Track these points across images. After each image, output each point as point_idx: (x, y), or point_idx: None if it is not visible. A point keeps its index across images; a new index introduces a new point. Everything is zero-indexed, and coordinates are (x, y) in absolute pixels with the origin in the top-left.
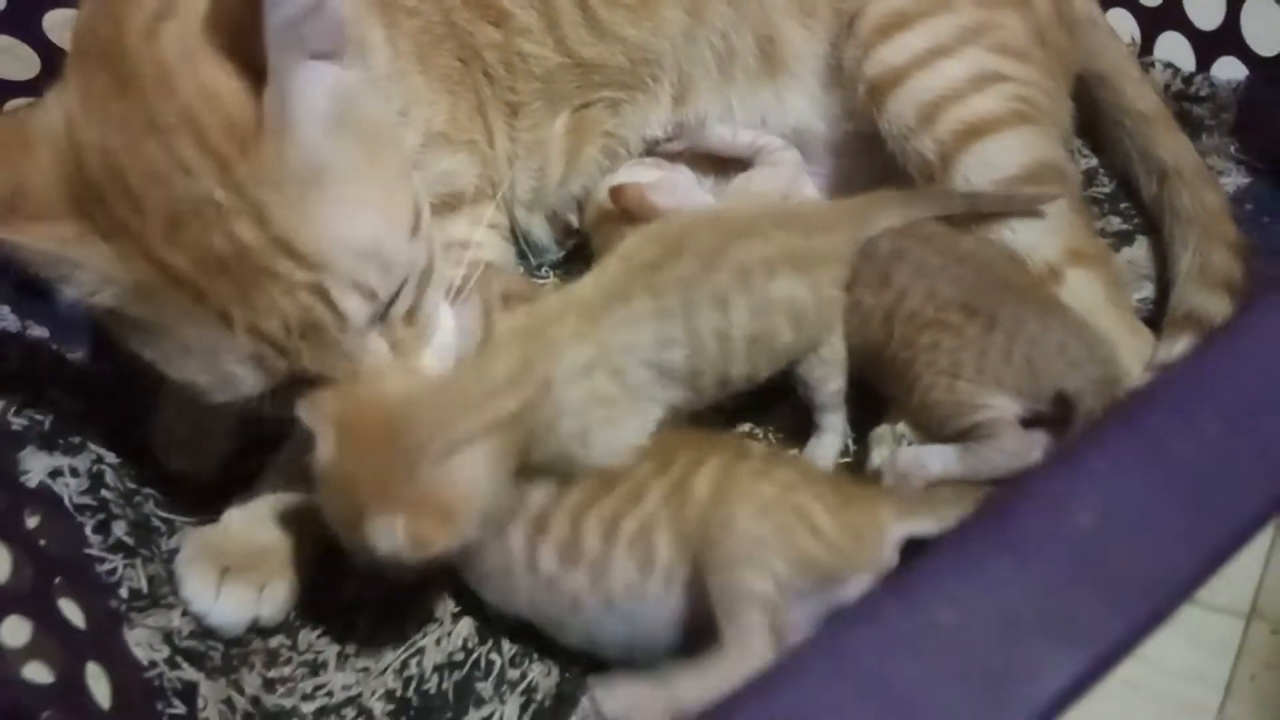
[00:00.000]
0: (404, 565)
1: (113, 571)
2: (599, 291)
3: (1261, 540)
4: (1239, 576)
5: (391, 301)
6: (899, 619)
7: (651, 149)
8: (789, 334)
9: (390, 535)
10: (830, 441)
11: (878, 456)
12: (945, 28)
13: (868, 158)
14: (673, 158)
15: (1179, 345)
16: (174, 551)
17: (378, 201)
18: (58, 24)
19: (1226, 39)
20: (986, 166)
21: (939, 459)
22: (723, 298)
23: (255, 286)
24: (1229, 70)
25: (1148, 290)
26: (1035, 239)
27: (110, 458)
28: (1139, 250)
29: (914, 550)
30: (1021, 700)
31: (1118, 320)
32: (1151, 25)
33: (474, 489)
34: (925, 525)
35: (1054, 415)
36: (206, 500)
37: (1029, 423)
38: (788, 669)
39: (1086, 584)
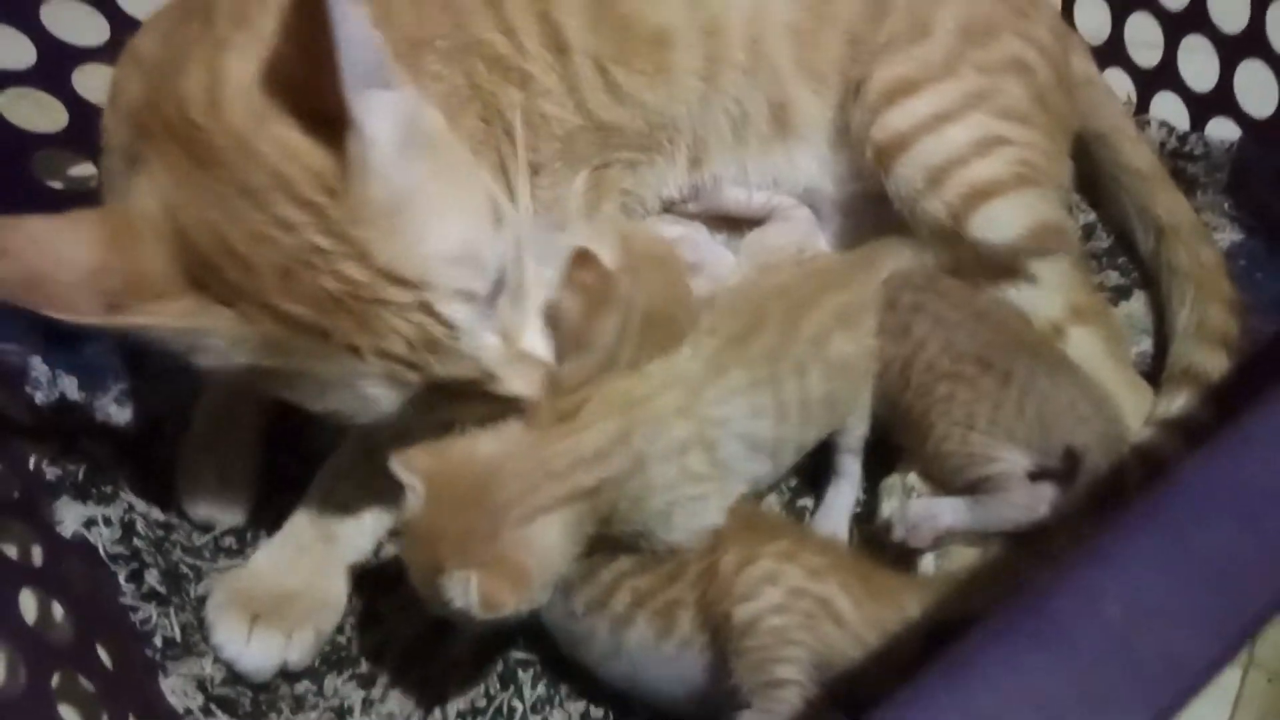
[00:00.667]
0: (474, 620)
1: (147, 620)
2: (698, 365)
3: None
4: None
5: (496, 293)
6: (945, 704)
7: (668, 208)
8: (848, 390)
9: (464, 591)
10: (848, 490)
11: (888, 507)
12: (950, 94)
13: (873, 216)
14: (689, 217)
15: (1178, 401)
16: (203, 598)
17: (456, 206)
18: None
19: (1220, 100)
20: (993, 227)
21: (950, 510)
22: (802, 366)
23: (372, 316)
24: (1223, 130)
25: (1146, 344)
26: (1039, 296)
27: (140, 506)
28: (1136, 305)
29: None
30: None
31: (1118, 375)
32: (1147, 85)
33: (548, 555)
34: (949, 615)
35: (1061, 470)
36: (231, 546)
37: (1036, 476)
38: None
39: (1116, 672)
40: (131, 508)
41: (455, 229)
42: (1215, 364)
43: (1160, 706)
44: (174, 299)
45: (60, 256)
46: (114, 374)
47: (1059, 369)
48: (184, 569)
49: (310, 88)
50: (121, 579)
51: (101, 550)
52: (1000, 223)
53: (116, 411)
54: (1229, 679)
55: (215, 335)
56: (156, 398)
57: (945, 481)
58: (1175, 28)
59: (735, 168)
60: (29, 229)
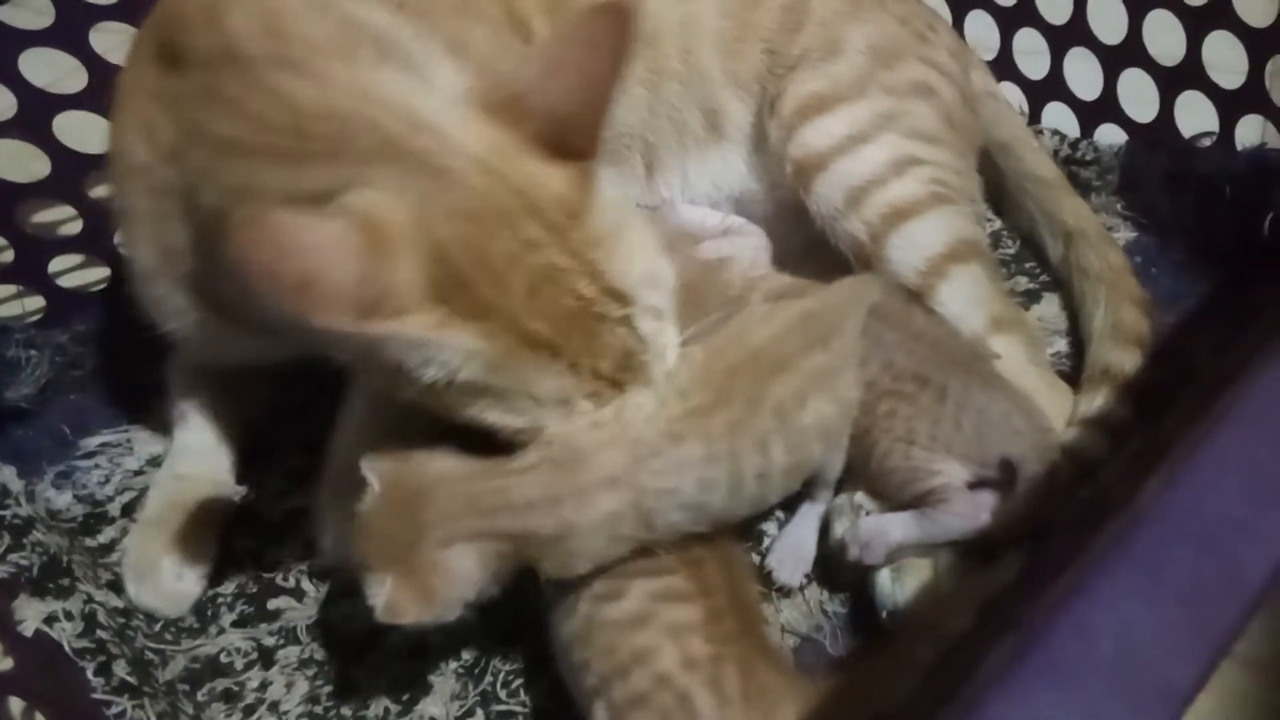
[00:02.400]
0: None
1: (121, 714)
2: (651, 429)
3: None
4: None
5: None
6: None
7: None
8: (819, 452)
9: (376, 592)
10: (818, 511)
11: (839, 528)
12: (863, 114)
13: (800, 225)
14: None
15: (1098, 400)
16: (172, 682)
17: (641, 233)
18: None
19: (1106, 107)
20: (912, 246)
21: (899, 526)
22: (763, 440)
23: (595, 333)
24: (1110, 135)
25: (1061, 345)
26: (961, 311)
27: (98, 595)
28: (1048, 307)
29: None
30: None
31: (1039, 379)
32: (1038, 96)
33: (459, 581)
34: None
35: (999, 479)
36: (193, 625)
37: (975, 486)
38: None
39: (1115, 702)
40: (90, 598)
41: (645, 254)
42: (1130, 362)
43: None
44: (423, 312)
45: (333, 261)
46: (46, 456)
47: (991, 383)
48: (149, 655)
49: (562, 123)
50: (90, 674)
51: (66, 647)
52: (921, 240)
53: (55, 495)
54: None
55: (449, 350)
56: (92, 476)
57: (891, 496)
58: (1060, 40)
59: (680, 174)
60: (307, 231)
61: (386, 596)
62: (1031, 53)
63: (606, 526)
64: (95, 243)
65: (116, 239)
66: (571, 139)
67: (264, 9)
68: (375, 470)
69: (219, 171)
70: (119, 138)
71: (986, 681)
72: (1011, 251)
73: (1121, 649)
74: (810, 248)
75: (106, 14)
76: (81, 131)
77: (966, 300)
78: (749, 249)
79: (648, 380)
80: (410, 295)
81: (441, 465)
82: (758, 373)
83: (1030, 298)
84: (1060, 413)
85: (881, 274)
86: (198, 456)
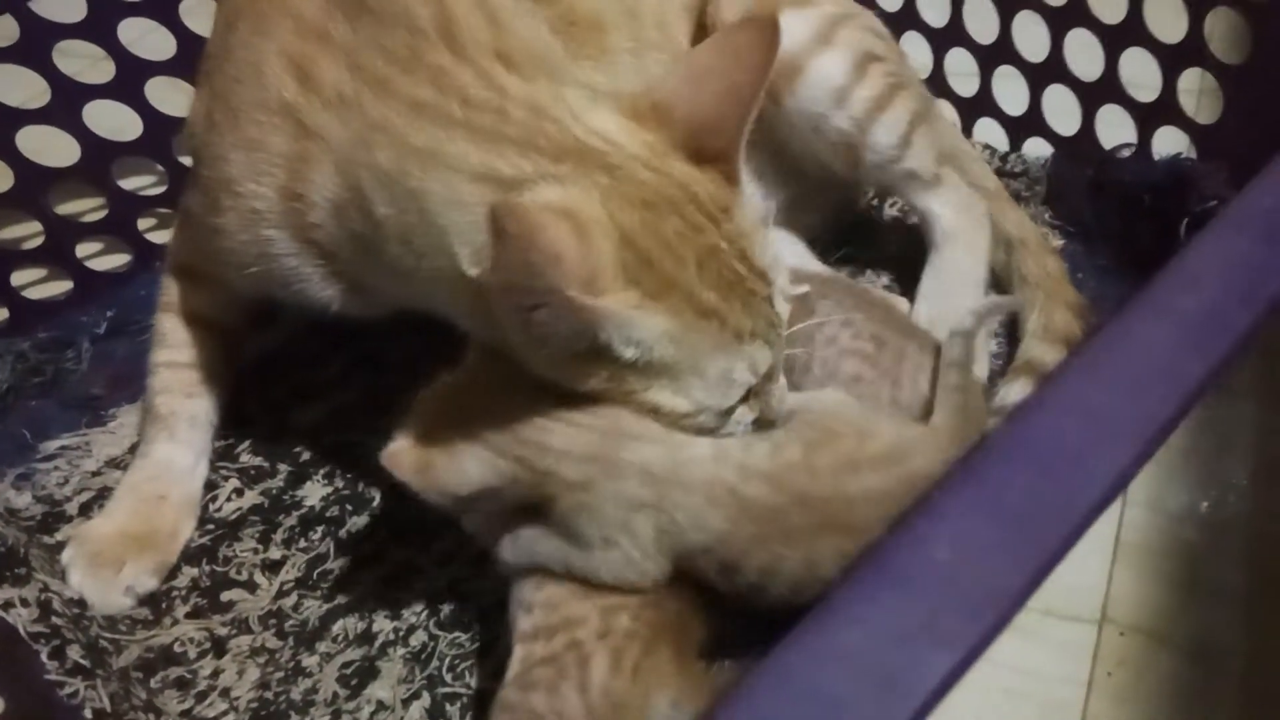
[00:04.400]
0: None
1: (74, 694)
2: (709, 468)
3: (1105, 557)
4: (1090, 589)
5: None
6: (819, 637)
7: None
8: None
9: (395, 445)
10: None
11: None
12: (822, 14)
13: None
14: None
15: (1015, 388)
16: (126, 669)
17: (768, 229)
18: None
19: (1032, 122)
20: (889, 131)
21: None
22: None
23: (750, 305)
24: (1037, 149)
25: (994, 346)
26: (923, 162)
27: (54, 585)
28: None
29: None
30: (911, 691)
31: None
32: (969, 113)
33: (460, 474)
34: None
35: None
36: (146, 617)
37: None
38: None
39: (949, 604)
40: (46, 586)
41: (772, 244)
42: (1054, 357)
43: (984, 630)
44: (623, 292)
45: (565, 243)
46: (6, 459)
47: (933, 347)
48: (104, 643)
49: (705, 128)
50: (44, 656)
51: (21, 629)
52: (894, 125)
53: (15, 496)
54: (1086, 635)
55: (649, 328)
56: (51, 477)
57: None
58: (988, 60)
59: None
60: (546, 217)
61: (395, 445)
62: (962, 73)
63: (625, 505)
64: (58, 255)
65: (80, 249)
66: (714, 142)
67: None
68: (468, 363)
69: (407, 131)
70: (258, 67)
71: (843, 589)
72: None
73: (957, 558)
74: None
75: (70, 32)
76: (43, 144)
77: (928, 154)
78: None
79: (778, 370)
80: (612, 277)
81: (523, 386)
82: (830, 523)
83: None
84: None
85: (860, 160)
86: (177, 476)
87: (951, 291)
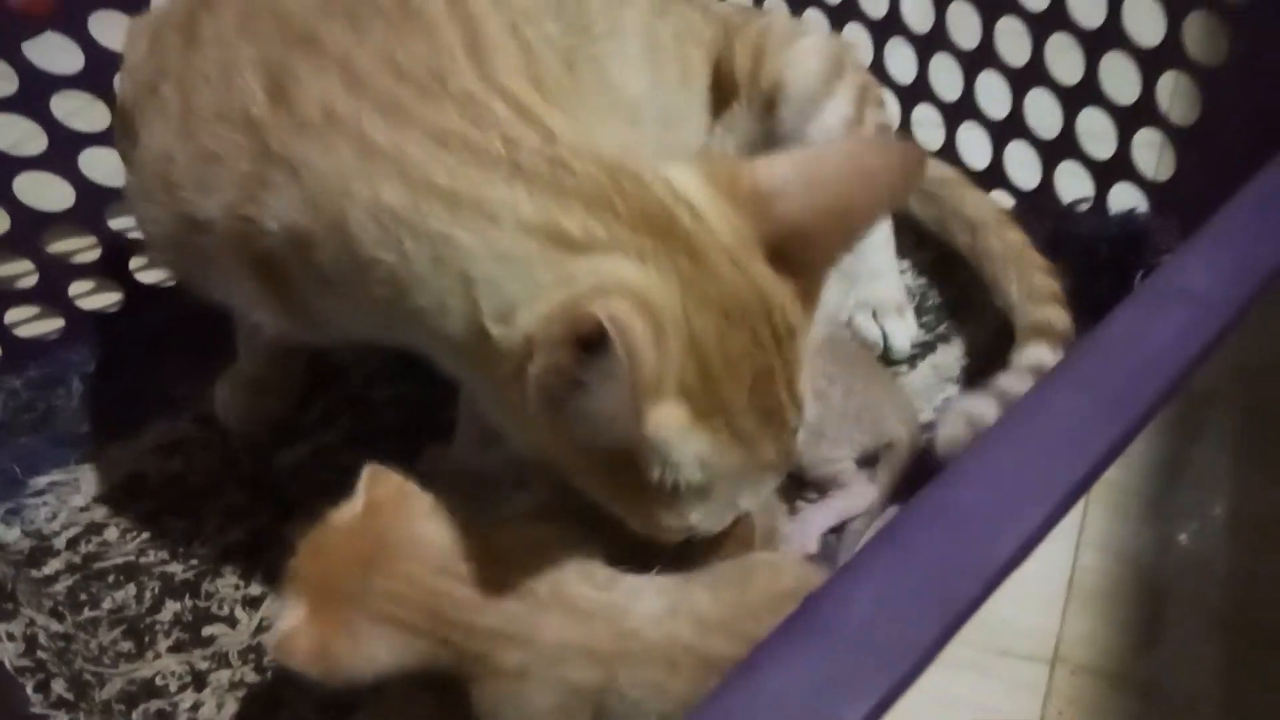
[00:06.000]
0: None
1: None
2: (655, 631)
3: (1059, 599)
4: (1045, 630)
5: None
6: (750, 681)
7: None
8: None
9: (281, 617)
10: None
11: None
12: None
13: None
14: None
15: (1030, 351)
16: (109, 701)
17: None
18: None
19: (995, 176)
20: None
21: (820, 517)
22: None
23: (779, 436)
24: (1000, 200)
25: (950, 390)
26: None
27: (40, 619)
28: (943, 356)
29: None
30: None
31: None
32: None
33: (363, 660)
34: None
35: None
36: (129, 650)
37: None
38: None
39: (866, 654)
40: (33, 621)
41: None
42: (1058, 317)
43: (898, 679)
44: (676, 408)
45: (649, 344)
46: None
47: (876, 375)
48: (88, 676)
49: (803, 238)
50: (29, 689)
51: (8, 664)
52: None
53: (4, 530)
54: (1038, 674)
55: (684, 451)
56: (40, 513)
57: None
58: (953, 115)
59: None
60: (631, 305)
61: (286, 630)
62: (929, 124)
63: (565, 693)
64: (50, 294)
65: (71, 289)
66: (806, 255)
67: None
68: (371, 484)
69: (427, 165)
70: (227, 71)
71: (771, 638)
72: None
73: (877, 613)
74: None
75: (70, 82)
76: (40, 189)
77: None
78: None
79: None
80: (670, 388)
81: (431, 528)
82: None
83: (927, 349)
84: None
85: None
86: None
87: (875, 272)
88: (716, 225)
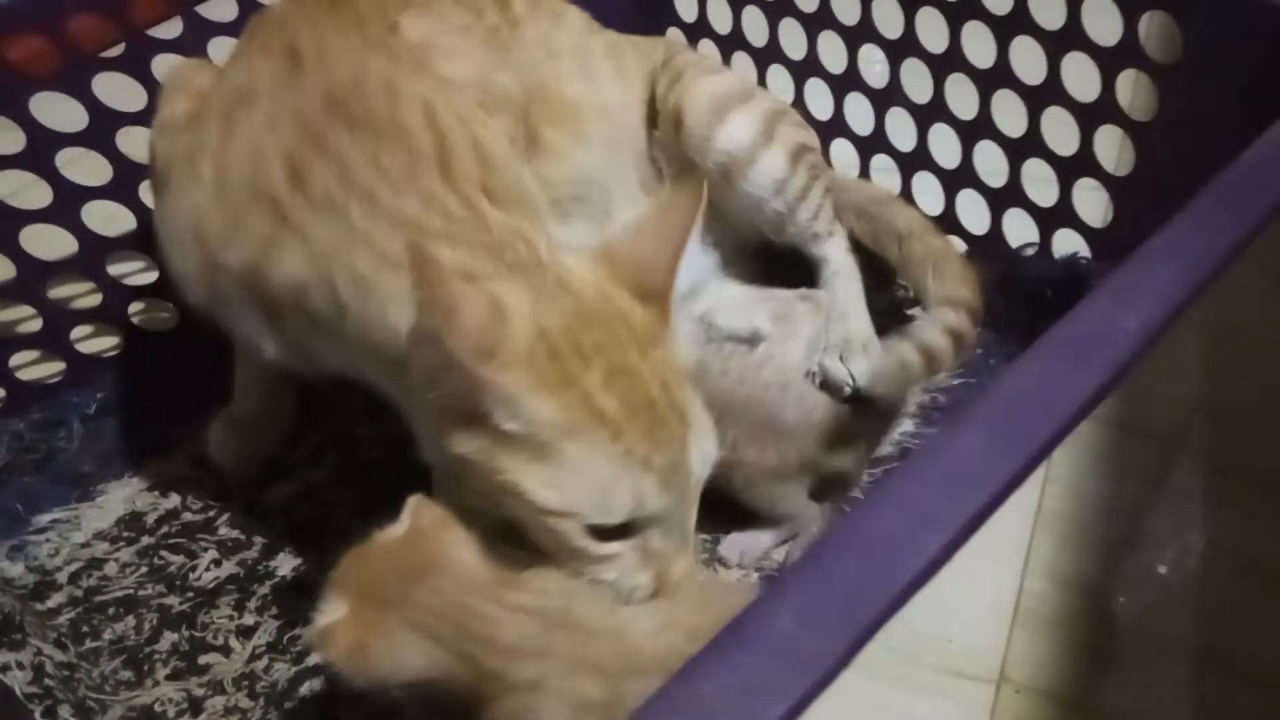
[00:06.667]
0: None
1: None
2: (654, 645)
3: (1005, 622)
4: (990, 650)
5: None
6: (681, 689)
7: None
8: None
9: (324, 611)
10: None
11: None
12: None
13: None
14: None
15: (938, 312)
16: None
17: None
18: None
19: (947, 221)
20: (809, 210)
21: (764, 540)
22: None
23: (654, 434)
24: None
25: (907, 425)
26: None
27: (47, 649)
28: None
29: None
30: None
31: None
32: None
33: (394, 663)
34: None
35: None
36: (129, 679)
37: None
38: None
39: (787, 665)
40: (40, 651)
41: (698, 397)
42: (967, 295)
43: (812, 684)
44: (520, 372)
45: (470, 306)
46: (2, 532)
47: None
48: (90, 703)
49: (644, 271)
50: (38, 715)
51: (18, 691)
52: (810, 205)
53: (9, 566)
54: (984, 693)
55: (525, 406)
56: (42, 549)
57: (754, 508)
58: (908, 164)
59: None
60: (459, 282)
61: (328, 623)
62: (886, 170)
63: (574, 705)
64: (53, 340)
65: (72, 333)
66: (650, 281)
67: (461, 113)
68: (418, 511)
69: (387, 244)
70: (259, 156)
71: (706, 649)
72: None
73: (798, 626)
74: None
75: (73, 140)
76: (39, 240)
77: (828, 216)
78: None
79: (685, 536)
80: (514, 356)
81: (466, 554)
82: None
83: None
84: None
85: (784, 229)
86: None
87: (844, 313)
88: (583, 272)
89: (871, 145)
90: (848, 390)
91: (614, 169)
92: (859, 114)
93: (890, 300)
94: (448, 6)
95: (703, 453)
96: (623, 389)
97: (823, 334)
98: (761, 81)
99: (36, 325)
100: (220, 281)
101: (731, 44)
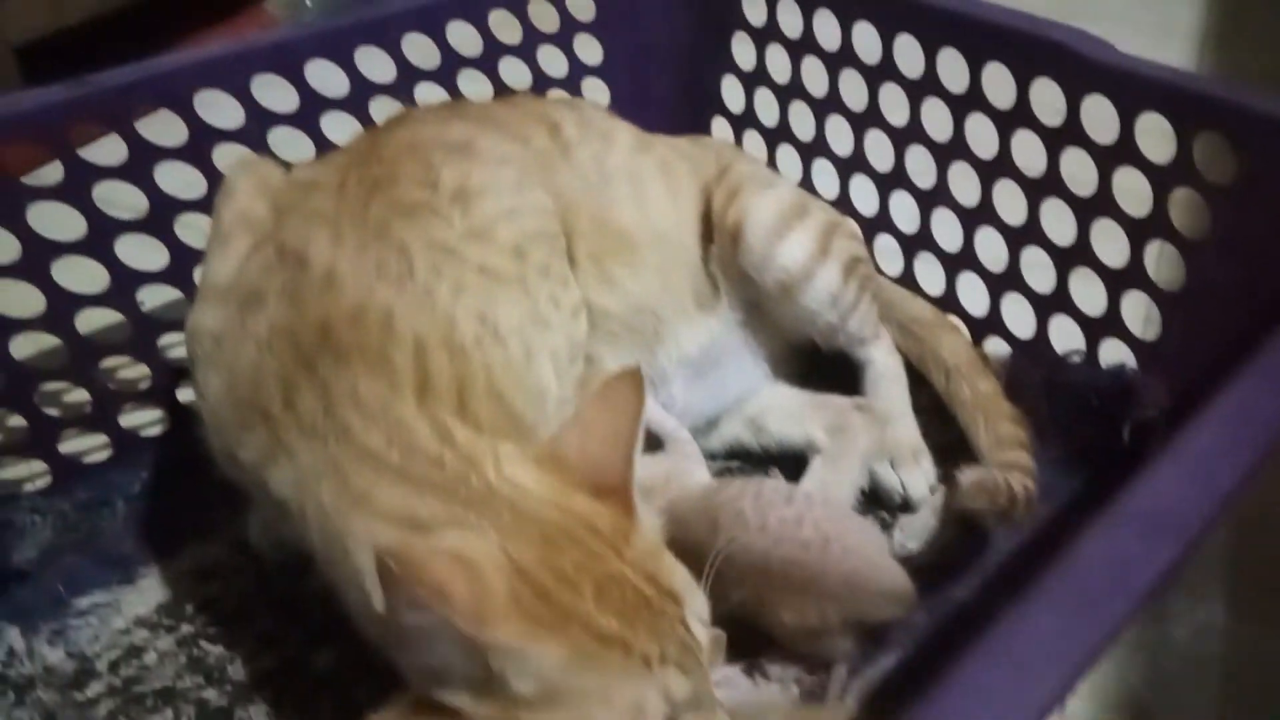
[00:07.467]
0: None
1: None
2: None
3: None
4: None
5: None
6: None
7: None
8: None
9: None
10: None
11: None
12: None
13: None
14: None
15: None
16: None
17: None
18: None
19: (993, 324)
20: (860, 320)
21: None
22: None
23: (657, 628)
24: (997, 346)
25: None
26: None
27: None
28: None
29: None
30: None
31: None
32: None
33: None
34: None
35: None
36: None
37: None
38: None
39: None
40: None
41: (678, 565)
42: (1021, 459)
43: None
44: (511, 623)
45: (460, 581)
46: (42, 614)
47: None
48: None
49: (599, 470)
50: None
51: None
52: (861, 315)
53: (49, 651)
54: None
55: (538, 658)
56: (82, 634)
57: (784, 643)
58: (952, 265)
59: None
60: (439, 553)
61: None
62: (930, 273)
63: None
64: (100, 419)
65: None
66: (607, 479)
67: (425, 346)
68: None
69: (349, 475)
70: (258, 372)
71: None
72: None
73: None
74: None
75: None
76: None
77: (874, 320)
78: (671, 460)
79: (710, 702)
80: (503, 613)
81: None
82: None
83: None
84: None
85: (835, 336)
86: None
87: (892, 418)
88: (535, 487)
89: (916, 243)
90: (898, 499)
91: (667, 293)
92: (904, 212)
93: (932, 395)
94: (492, 141)
95: (699, 615)
96: (616, 600)
97: (878, 449)
98: (807, 175)
99: (87, 406)
100: (234, 470)
101: (778, 136)
